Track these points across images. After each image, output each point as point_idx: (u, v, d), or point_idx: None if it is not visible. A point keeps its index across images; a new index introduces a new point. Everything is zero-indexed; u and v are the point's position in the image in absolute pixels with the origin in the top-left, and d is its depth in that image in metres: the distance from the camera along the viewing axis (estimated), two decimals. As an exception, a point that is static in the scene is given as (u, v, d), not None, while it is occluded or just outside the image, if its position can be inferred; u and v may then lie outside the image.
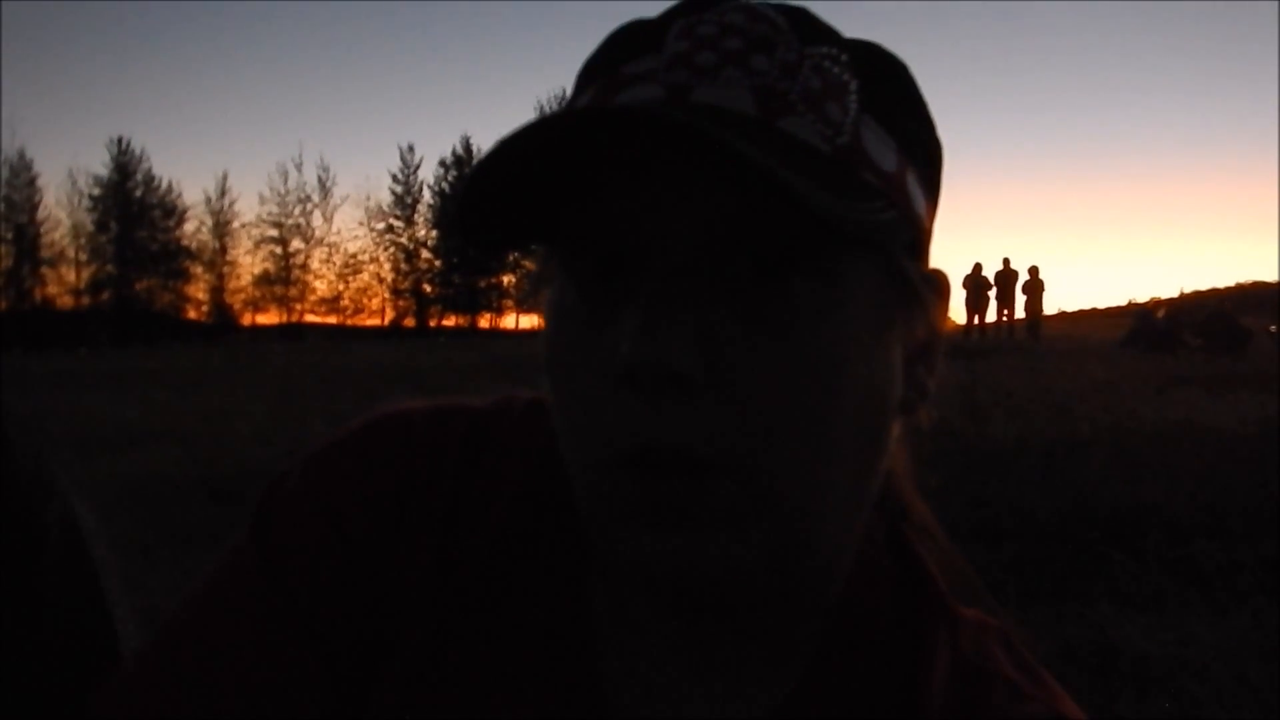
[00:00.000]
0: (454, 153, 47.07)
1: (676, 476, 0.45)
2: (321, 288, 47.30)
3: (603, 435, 0.47)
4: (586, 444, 0.48)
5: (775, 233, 0.45)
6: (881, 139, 0.49)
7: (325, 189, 46.85)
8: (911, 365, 0.53)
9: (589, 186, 0.47)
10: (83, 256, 43.72)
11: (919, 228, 0.51)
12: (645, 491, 0.46)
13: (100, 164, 53.92)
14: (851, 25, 0.52)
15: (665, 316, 0.44)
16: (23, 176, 42.08)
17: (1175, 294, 38.07)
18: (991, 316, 22.30)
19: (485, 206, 0.47)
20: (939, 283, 0.54)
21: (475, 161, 0.45)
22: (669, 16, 0.49)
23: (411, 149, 47.37)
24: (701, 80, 0.46)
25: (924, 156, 0.52)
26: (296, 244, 46.38)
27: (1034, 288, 21.97)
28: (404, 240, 47.01)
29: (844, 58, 0.48)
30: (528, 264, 0.57)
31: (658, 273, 0.45)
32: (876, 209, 0.46)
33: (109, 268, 43.97)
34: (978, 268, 21.99)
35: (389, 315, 47.46)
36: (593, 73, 0.50)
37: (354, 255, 47.53)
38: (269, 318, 46.50)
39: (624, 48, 0.50)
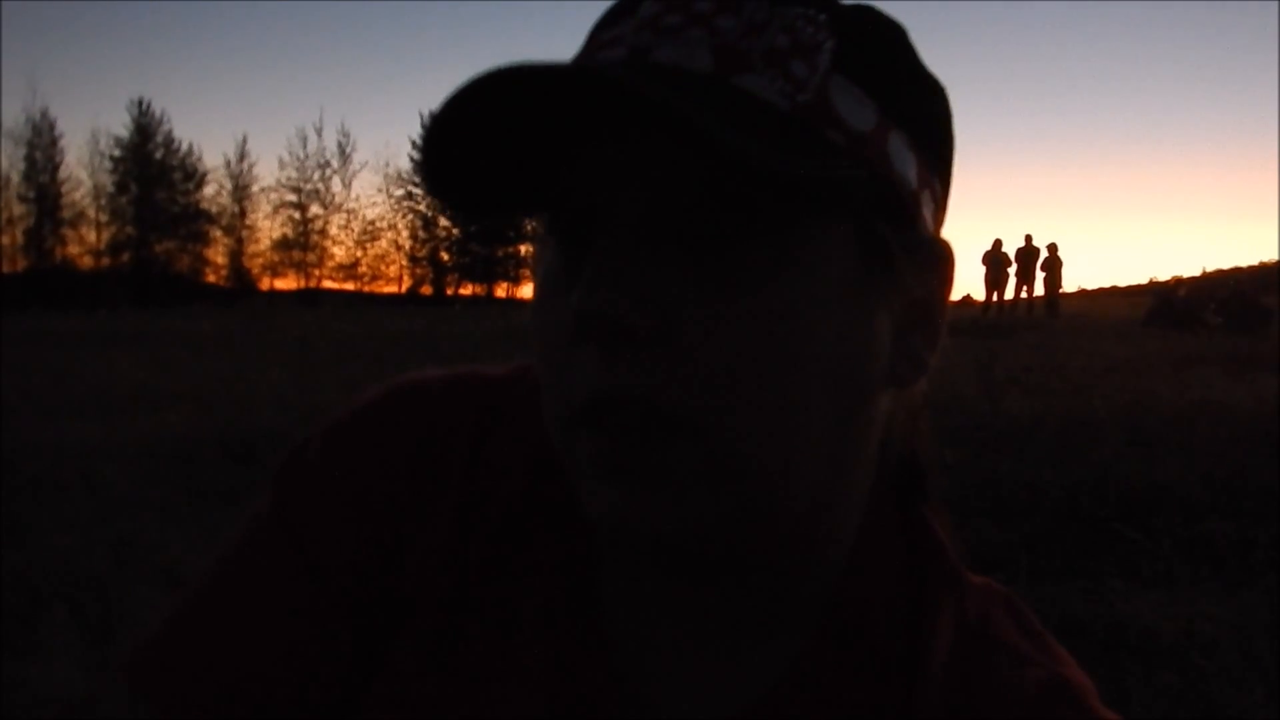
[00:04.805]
0: (473, 120, 46.33)
1: (630, 431, 0.45)
2: (340, 254, 47.29)
3: (563, 392, 0.47)
4: (553, 401, 0.49)
5: (727, 190, 0.45)
6: (857, 98, 0.47)
7: (345, 154, 46.71)
8: (904, 335, 0.51)
9: (562, 151, 0.47)
10: (103, 217, 43.81)
11: (902, 191, 0.49)
12: (600, 446, 0.46)
13: (121, 125, 54.01)
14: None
15: (614, 270, 0.44)
16: (45, 136, 42.19)
17: (1197, 272, 37.63)
18: (1011, 293, 22.15)
19: (459, 170, 0.47)
20: (938, 251, 0.53)
21: (429, 122, 0.44)
22: None
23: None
24: (663, 40, 0.46)
25: (915, 120, 0.50)
26: (315, 209, 46.34)
27: (1052, 264, 21.79)
28: (422, 208, 46.79)
29: (822, 17, 0.47)
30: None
31: (611, 228, 0.46)
32: (837, 167, 0.45)
33: (129, 229, 44.01)
34: (998, 244, 21.80)
35: (406, 283, 47.46)
36: (588, 40, 0.51)
37: (372, 222, 47.54)
38: (287, 283, 46.54)
39: (610, 16, 0.50)
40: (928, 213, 0.52)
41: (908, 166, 0.49)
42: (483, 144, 0.46)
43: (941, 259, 0.53)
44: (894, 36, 0.51)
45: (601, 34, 0.49)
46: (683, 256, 0.46)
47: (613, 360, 0.45)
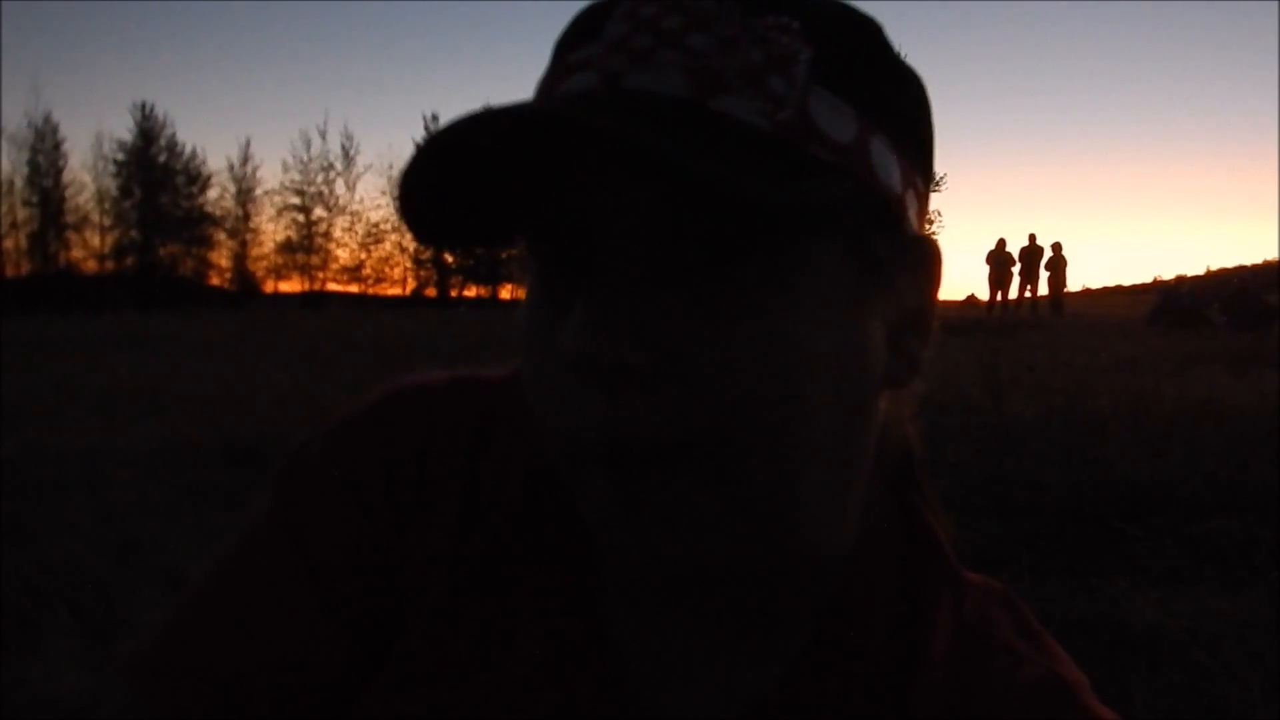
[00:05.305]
0: (476, 121, 46.28)
1: (640, 469, 0.45)
2: (344, 256, 47.15)
3: (566, 428, 0.47)
4: (555, 436, 0.49)
5: (714, 220, 0.44)
6: (836, 108, 0.46)
7: (348, 157, 46.56)
8: (898, 337, 0.51)
9: (543, 181, 0.46)
10: (107, 222, 43.74)
11: (888, 197, 0.49)
12: (610, 485, 0.46)
13: (125, 129, 54.09)
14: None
15: (609, 308, 0.44)
16: (48, 140, 42.18)
17: (1201, 271, 37.54)
18: (1015, 293, 22.14)
19: (438, 206, 0.47)
20: (926, 250, 0.52)
21: (405, 166, 0.44)
22: None
23: (436, 118, 46.88)
24: (635, 65, 0.45)
25: (895, 119, 0.49)
26: (319, 212, 46.16)
27: (1057, 263, 21.77)
28: (425, 209, 46.56)
29: (795, 25, 0.46)
30: None
31: (604, 264, 0.45)
32: (823, 186, 0.44)
33: (133, 233, 43.97)
34: (1001, 243, 21.83)
35: (410, 285, 47.41)
36: (554, 56, 0.50)
37: (376, 224, 47.27)
38: (291, 285, 46.44)
39: (575, 33, 0.49)
40: (912, 212, 0.51)
41: (891, 170, 0.49)
42: (459, 178, 0.45)
43: (929, 257, 0.53)
44: (868, 35, 0.50)
45: (569, 55, 0.48)
46: (677, 286, 0.45)
47: (618, 401, 0.44)
